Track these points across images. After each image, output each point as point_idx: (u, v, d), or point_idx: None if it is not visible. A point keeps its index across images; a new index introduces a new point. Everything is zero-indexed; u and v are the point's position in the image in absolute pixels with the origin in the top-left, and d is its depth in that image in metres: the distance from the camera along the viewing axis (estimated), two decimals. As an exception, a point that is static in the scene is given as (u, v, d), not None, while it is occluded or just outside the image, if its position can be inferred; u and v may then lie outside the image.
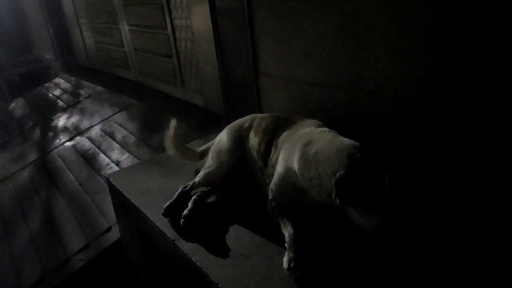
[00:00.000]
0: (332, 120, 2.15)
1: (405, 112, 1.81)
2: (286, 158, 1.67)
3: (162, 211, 1.90)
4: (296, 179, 1.60)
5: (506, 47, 1.35)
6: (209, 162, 2.03)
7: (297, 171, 1.59)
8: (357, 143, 1.50)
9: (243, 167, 2.01)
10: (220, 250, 1.65)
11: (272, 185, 1.71)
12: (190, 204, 1.90)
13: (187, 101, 3.97)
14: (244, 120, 2.11)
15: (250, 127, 2.02)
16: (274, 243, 1.64)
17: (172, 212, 1.90)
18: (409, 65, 1.74)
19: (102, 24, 5.45)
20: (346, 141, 1.53)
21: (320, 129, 1.73)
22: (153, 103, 4.28)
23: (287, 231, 1.58)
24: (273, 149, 1.79)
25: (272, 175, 1.73)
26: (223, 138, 2.06)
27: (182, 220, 1.83)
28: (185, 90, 4.01)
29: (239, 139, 2.01)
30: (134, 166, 2.68)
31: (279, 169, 1.70)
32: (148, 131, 3.73)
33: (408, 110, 1.80)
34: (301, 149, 1.58)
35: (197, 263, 1.59)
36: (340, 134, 1.67)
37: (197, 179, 1.99)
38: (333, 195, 1.40)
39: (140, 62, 4.83)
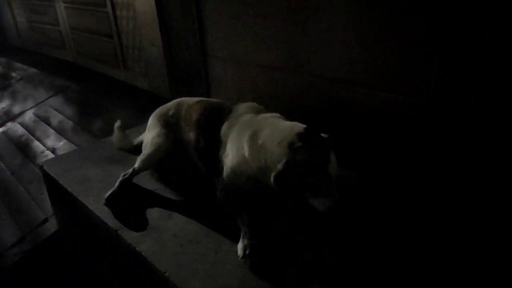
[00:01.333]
0: (282, 104, 2.14)
1: (358, 98, 1.83)
2: (236, 149, 1.63)
3: (104, 201, 1.81)
4: (249, 169, 1.58)
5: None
6: (145, 149, 2.00)
7: (250, 162, 1.57)
8: (300, 126, 1.49)
9: (180, 155, 2.00)
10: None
11: (224, 175, 1.67)
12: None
13: (130, 83, 3.82)
14: (169, 106, 2.09)
15: (177, 115, 2.00)
16: (223, 230, 1.61)
17: (115, 201, 1.82)
18: (354, 51, 1.75)
19: (35, 1, 5.12)
20: (287, 128, 1.51)
21: (261, 115, 1.69)
22: (93, 86, 4.10)
23: (241, 218, 1.56)
24: (218, 144, 1.73)
25: (222, 168, 1.69)
26: (151, 126, 2.08)
27: None
28: (128, 72, 3.84)
29: (167, 125, 2.01)
30: (72, 153, 2.52)
31: (229, 160, 1.65)
32: (87, 116, 3.58)
33: (360, 95, 1.81)
34: (248, 142, 1.57)
35: (142, 253, 1.53)
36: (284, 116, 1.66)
37: (136, 165, 1.94)
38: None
39: (77, 42, 4.58)
